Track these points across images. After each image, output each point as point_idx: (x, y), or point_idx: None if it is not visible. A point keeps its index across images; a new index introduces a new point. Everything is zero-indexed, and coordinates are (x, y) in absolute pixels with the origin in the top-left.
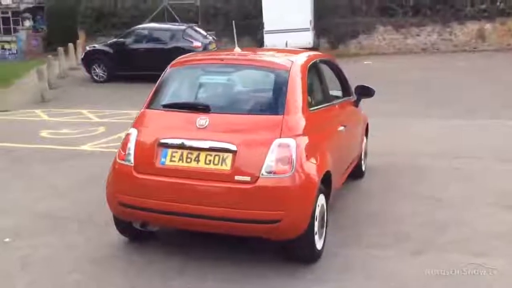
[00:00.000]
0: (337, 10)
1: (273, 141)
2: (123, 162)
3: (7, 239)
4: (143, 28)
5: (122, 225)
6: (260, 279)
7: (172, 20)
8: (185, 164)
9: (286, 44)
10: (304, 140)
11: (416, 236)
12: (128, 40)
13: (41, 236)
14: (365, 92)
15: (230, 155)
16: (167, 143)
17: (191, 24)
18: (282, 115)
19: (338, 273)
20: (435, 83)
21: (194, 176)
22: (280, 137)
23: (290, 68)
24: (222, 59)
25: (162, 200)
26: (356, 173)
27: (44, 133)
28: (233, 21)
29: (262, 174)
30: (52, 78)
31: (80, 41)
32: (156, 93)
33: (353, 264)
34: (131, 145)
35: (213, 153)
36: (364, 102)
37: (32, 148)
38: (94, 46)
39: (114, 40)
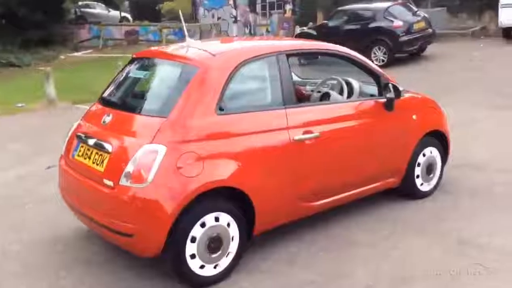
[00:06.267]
0: None
1: (141, 146)
2: (62, 152)
3: (30, 205)
4: (347, 9)
5: None
6: None
7: None
8: (83, 159)
9: None
10: (189, 147)
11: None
12: (331, 22)
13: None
14: (394, 91)
15: (108, 156)
16: (78, 136)
17: (399, 1)
18: (166, 118)
19: None
20: None
21: (84, 172)
22: (151, 143)
23: (204, 64)
24: (152, 53)
25: (67, 193)
26: (406, 193)
27: None
28: (179, 10)
29: (121, 181)
30: None
31: (312, 24)
32: (107, 86)
33: None
34: (68, 136)
35: (100, 152)
36: None
37: None
38: (303, 29)
39: (321, 22)
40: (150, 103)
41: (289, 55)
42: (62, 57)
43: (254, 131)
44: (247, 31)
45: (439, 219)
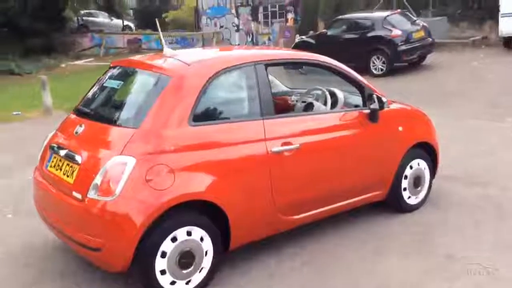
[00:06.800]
0: None
1: (110, 158)
2: (37, 163)
3: (9, 215)
4: (346, 18)
5: None
6: None
7: (402, 6)
8: (54, 170)
9: None
10: (160, 159)
11: None
12: (330, 31)
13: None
14: (378, 102)
15: (77, 167)
16: (51, 147)
17: (398, 11)
18: (136, 128)
19: None
20: None
21: (56, 184)
22: (121, 154)
23: (177, 73)
24: (128, 62)
25: (40, 205)
26: (393, 206)
27: None
28: (156, 19)
29: (89, 193)
30: None
31: (312, 32)
32: (84, 96)
33: None
34: (43, 147)
35: (70, 163)
36: None
37: None
38: (302, 38)
39: (320, 31)
40: (121, 114)
41: (267, 65)
42: (63, 65)
43: (229, 143)
44: (249, 39)
45: (426, 234)
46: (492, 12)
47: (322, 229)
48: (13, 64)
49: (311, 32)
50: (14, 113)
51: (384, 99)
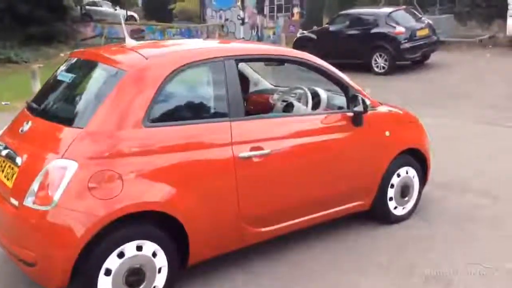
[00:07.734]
0: None
1: (50, 161)
2: None
3: None
4: (349, 14)
5: None
6: None
7: (409, 3)
8: None
9: None
10: (106, 164)
11: None
12: (332, 26)
13: None
14: (362, 105)
15: (17, 170)
16: None
17: (400, 7)
18: (82, 128)
19: None
20: None
21: None
22: (62, 157)
23: (133, 67)
24: (84, 54)
25: None
26: (378, 217)
27: None
28: (122, 15)
29: (25, 201)
30: None
31: (315, 27)
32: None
33: None
34: None
35: (11, 165)
36: None
37: None
38: (303, 33)
39: (322, 26)
40: (68, 111)
41: (238, 61)
42: (62, 54)
43: (189, 147)
44: (254, 33)
45: (410, 250)
46: (501, 11)
47: (298, 240)
48: (12, 52)
49: (314, 27)
50: (3, 103)
51: (367, 102)
